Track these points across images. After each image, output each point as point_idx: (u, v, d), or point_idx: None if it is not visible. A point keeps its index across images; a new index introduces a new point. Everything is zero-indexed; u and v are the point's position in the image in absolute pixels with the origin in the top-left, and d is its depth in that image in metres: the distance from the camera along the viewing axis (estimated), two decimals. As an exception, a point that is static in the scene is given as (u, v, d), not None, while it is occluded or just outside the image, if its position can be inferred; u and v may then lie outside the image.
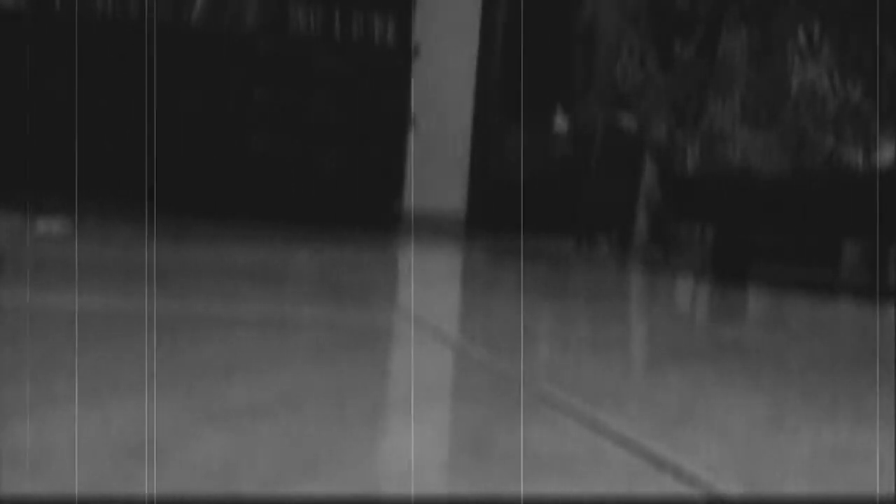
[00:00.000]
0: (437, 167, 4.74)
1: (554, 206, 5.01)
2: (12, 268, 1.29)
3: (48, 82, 3.85)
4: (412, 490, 0.45)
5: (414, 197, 4.66)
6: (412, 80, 4.28)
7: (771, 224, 2.42)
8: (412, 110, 4.30)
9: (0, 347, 0.71)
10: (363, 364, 0.78)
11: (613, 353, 0.98)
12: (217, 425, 0.53)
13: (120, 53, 3.93)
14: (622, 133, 3.70)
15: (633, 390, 0.77)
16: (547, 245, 3.90)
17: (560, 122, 4.82)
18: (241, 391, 0.63)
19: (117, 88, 3.94)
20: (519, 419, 0.62)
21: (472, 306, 1.38)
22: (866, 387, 0.89)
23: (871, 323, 1.66)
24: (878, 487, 0.53)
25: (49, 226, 2.29)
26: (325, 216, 4.15)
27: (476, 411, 0.64)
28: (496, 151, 4.99)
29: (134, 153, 3.95)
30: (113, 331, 0.83)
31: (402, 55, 4.21)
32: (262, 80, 4.06)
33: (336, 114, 4.15)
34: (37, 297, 1.01)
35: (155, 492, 0.41)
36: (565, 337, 1.10)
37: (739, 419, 0.68)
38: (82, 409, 0.54)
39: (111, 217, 3.10)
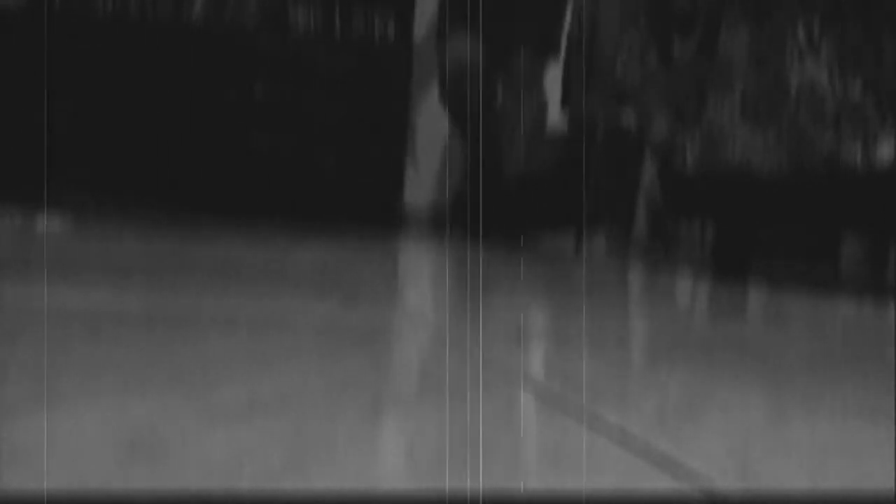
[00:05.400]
0: (437, 164, 4.74)
1: (553, 203, 5.00)
2: (11, 265, 1.29)
3: (48, 80, 3.85)
4: (410, 485, 0.45)
5: (413, 194, 4.66)
6: (412, 77, 4.28)
7: (770, 221, 2.42)
8: (412, 108, 4.29)
9: None
10: (363, 361, 0.78)
11: (612, 349, 0.98)
12: (216, 423, 0.53)
13: (120, 52, 3.93)
14: (622, 130, 3.70)
15: (631, 386, 0.77)
16: (546, 242, 3.90)
17: (559, 120, 4.82)
18: (241, 389, 0.63)
19: (117, 86, 3.94)
20: (518, 416, 0.62)
21: (470, 303, 1.39)
22: (866, 383, 0.89)
23: (870, 319, 1.66)
24: (877, 483, 0.53)
25: (49, 223, 2.29)
26: (325, 213, 4.15)
27: (474, 408, 0.64)
28: (495, 149, 4.98)
29: (134, 150, 3.95)
30: (113, 329, 0.83)
31: (402, 53, 4.20)
32: (262, 77, 4.06)
33: (336, 111, 4.15)
34: (35, 295, 1.01)
35: (154, 488, 0.41)
36: (563, 333, 1.10)
37: (739, 416, 0.68)
38: (82, 407, 0.54)
39: (111, 214, 3.10)
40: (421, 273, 1.91)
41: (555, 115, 4.78)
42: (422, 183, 4.69)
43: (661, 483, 0.49)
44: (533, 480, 0.48)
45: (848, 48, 1.97)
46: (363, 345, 0.87)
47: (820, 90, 2.02)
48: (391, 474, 0.47)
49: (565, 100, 4.36)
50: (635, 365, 0.91)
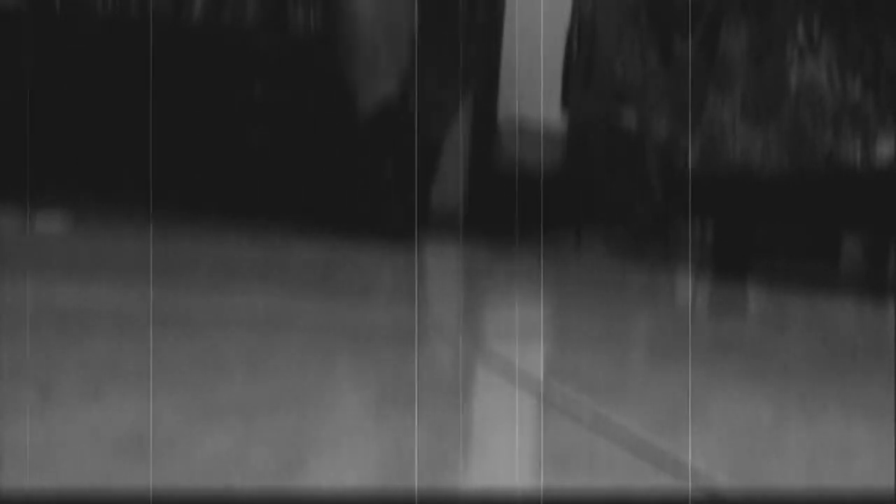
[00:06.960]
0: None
1: (553, 203, 5.00)
2: (11, 264, 1.29)
3: (49, 80, 3.85)
4: (408, 484, 0.45)
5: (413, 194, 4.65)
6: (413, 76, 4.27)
7: (771, 220, 2.42)
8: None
9: None
10: (365, 362, 0.78)
11: (612, 347, 0.98)
12: (215, 422, 0.53)
13: (120, 51, 3.93)
14: (622, 129, 3.70)
15: (632, 385, 0.77)
16: (545, 241, 3.91)
17: (560, 118, 4.82)
18: (241, 389, 0.63)
19: (117, 86, 3.94)
20: (515, 415, 0.62)
21: (469, 302, 1.39)
22: (866, 382, 0.89)
23: (870, 319, 1.66)
24: (877, 482, 0.53)
25: (48, 221, 2.29)
26: (324, 212, 4.14)
27: (473, 407, 0.64)
28: (495, 148, 4.99)
29: (134, 149, 3.95)
30: (114, 328, 0.83)
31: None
32: (262, 76, 4.06)
33: (335, 110, 4.14)
34: (36, 294, 1.01)
35: (153, 486, 0.41)
36: (562, 332, 1.10)
37: (739, 414, 0.68)
38: (82, 406, 0.54)
39: (111, 213, 3.10)
40: (420, 272, 1.91)
41: (555, 115, 4.78)
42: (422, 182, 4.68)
43: (661, 482, 0.49)
44: (531, 480, 0.48)
45: (848, 48, 1.97)
46: (363, 344, 0.87)
47: (820, 89, 2.02)
48: (389, 473, 0.47)
49: (565, 100, 4.35)
50: (635, 363, 0.91)
